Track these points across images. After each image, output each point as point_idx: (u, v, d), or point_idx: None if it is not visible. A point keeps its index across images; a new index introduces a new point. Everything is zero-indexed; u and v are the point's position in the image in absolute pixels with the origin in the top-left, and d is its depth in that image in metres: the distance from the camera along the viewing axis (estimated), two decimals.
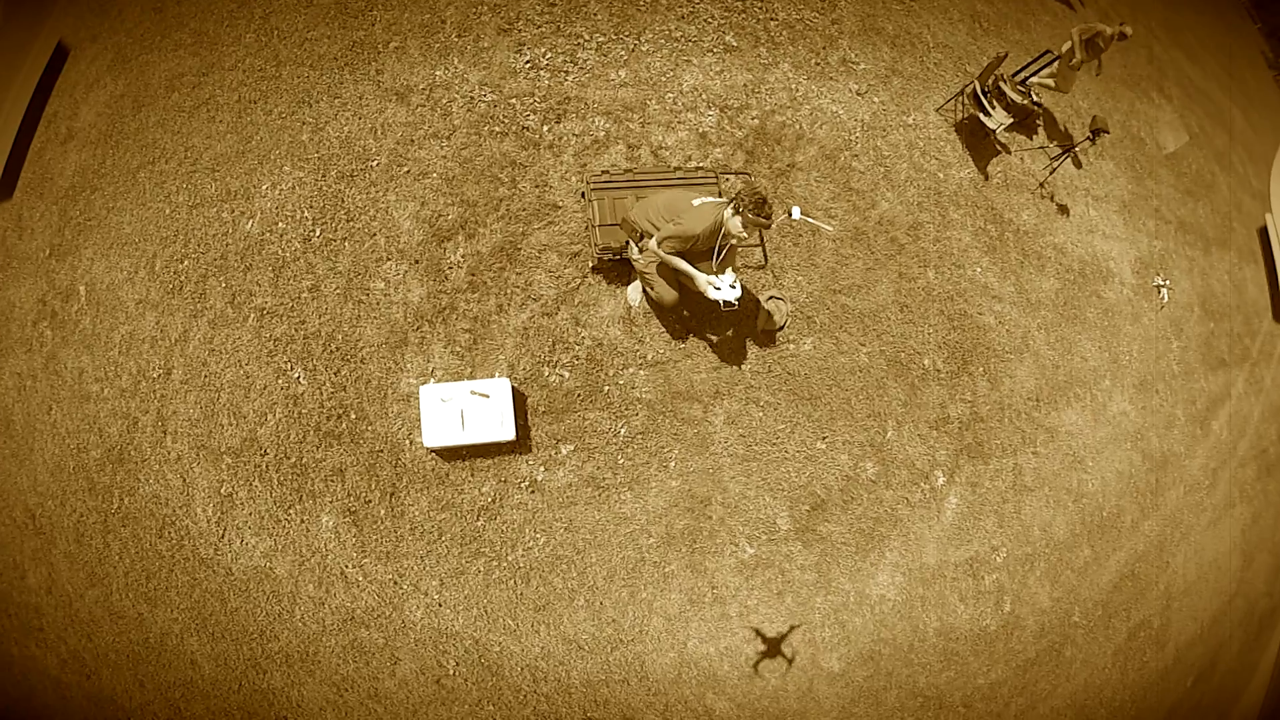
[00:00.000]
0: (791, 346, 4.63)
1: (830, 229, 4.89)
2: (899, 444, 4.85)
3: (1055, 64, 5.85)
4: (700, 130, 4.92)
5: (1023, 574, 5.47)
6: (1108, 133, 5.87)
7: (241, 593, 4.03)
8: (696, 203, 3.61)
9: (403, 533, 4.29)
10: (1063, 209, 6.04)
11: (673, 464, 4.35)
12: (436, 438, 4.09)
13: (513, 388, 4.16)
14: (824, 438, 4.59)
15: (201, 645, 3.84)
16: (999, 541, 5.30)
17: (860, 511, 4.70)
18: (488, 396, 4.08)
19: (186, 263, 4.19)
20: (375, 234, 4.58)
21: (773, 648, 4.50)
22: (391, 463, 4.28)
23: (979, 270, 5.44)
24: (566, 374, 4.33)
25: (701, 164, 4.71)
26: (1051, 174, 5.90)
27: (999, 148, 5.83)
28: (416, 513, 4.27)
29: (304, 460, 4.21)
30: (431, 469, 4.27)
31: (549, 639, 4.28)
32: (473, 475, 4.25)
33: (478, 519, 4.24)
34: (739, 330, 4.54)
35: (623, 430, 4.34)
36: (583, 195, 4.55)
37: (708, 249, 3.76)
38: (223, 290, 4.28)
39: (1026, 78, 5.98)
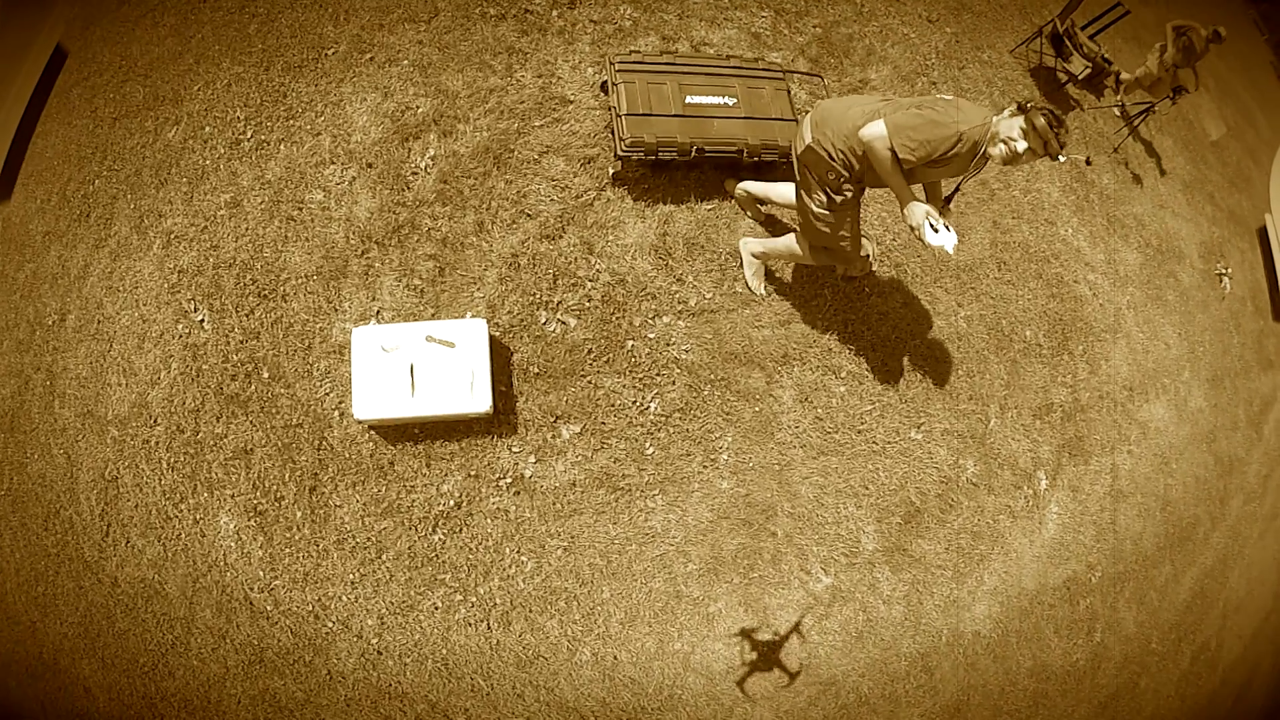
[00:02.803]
0: (879, 301, 2.71)
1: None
2: (1002, 436, 2.93)
3: (1145, 64, 4.14)
4: (753, 30, 3.02)
5: (1114, 596, 3.59)
6: (1189, 91, 4.05)
7: (129, 612, 2.27)
8: (951, 100, 1.82)
9: (327, 546, 2.30)
10: (1137, 178, 4.25)
11: (724, 456, 2.37)
12: (372, 406, 2.08)
13: (491, 337, 2.16)
14: (919, 425, 2.66)
15: (93, 672, 2.28)
16: (1095, 559, 3.43)
17: (959, 524, 2.76)
18: (453, 345, 2.08)
19: (98, 183, 2.54)
20: (319, 133, 2.60)
21: (846, 709, 2.48)
22: (313, 443, 2.28)
23: (1070, 231, 3.60)
24: (572, 321, 2.35)
25: (761, 57, 2.77)
26: (1130, 135, 4.07)
27: (1072, 102, 4.00)
28: (346, 518, 2.26)
29: (200, 435, 2.33)
30: (369, 455, 2.27)
31: (538, 707, 2.27)
32: (428, 466, 2.25)
33: (434, 531, 2.24)
34: (813, 275, 2.58)
35: (653, 405, 2.36)
36: (604, 88, 2.58)
37: (931, 174, 1.86)
38: (130, 212, 2.49)
39: (1096, 33, 4.17)
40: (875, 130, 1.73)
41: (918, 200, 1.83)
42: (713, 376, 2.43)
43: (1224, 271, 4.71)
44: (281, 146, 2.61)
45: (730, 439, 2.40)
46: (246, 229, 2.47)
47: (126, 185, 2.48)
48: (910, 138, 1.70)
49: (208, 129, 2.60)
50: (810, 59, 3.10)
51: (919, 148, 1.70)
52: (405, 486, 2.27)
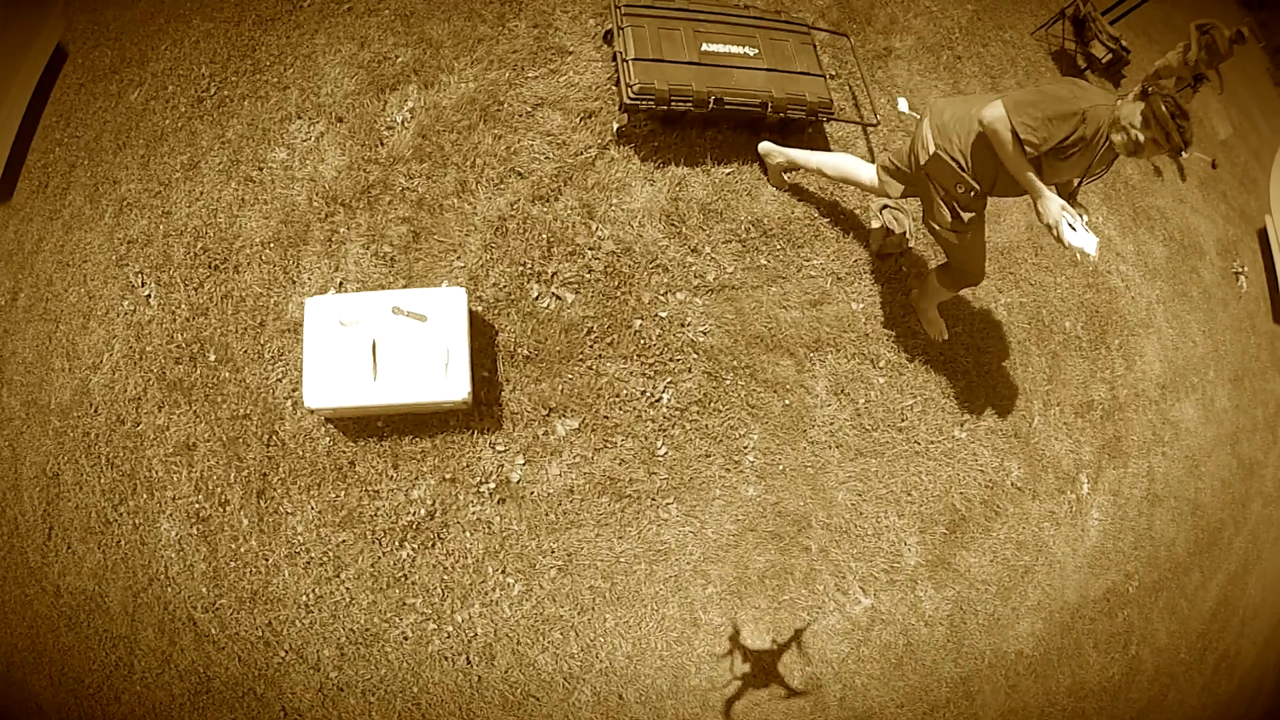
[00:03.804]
0: (917, 283, 2.21)
1: None
2: (1045, 435, 2.49)
3: (1165, 57, 3.74)
4: None
5: (1149, 607, 3.18)
6: (1208, 80, 3.63)
7: (73, 626, 1.86)
8: (1073, 80, 1.63)
9: (277, 560, 1.84)
10: (1156, 170, 3.83)
11: (749, 458, 1.89)
12: (326, 393, 1.58)
13: (472, 312, 1.66)
14: (962, 422, 2.21)
15: (44, 689, 1.86)
16: (1133, 567, 3.01)
17: (1004, 534, 2.30)
18: (424, 319, 1.57)
19: (58, 152, 2.15)
20: (287, 87, 2.15)
21: None
22: (262, 438, 1.79)
23: (1100, 218, 3.20)
24: (569, 296, 1.87)
25: (783, 10, 2.30)
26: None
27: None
28: (299, 528, 1.77)
29: (141, 427, 1.90)
30: (326, 453, 1.77)
31: None
32: (395, 467, 1.75)
33: (402, 546, 1.74)
34: (845, 251, 2.12)
35: (666, 396, 1.87)
36: (607, 37, 2.11)
37: (1060, 170, 1.59)
38: (86, 181, 2.10)
39: (1114, 20, 3.75)
40: (995, 111, 1.48)
41: (1052, 195, 1.53)
42: (735, 363, 1.94)
43: (1240, 270, 4.30)
44: (245, 103, 2.15)
45: (756, 437, 1.91)
46: (201, 192, 2.01)
47: (85, 152, 2.08)
48: (1031, 115, 1.45)
49: (170, 88, 2.18)
50: (831, 23, 2.65)
51: (1040, 126, 1.44)
52: (368, 491, 1.76)
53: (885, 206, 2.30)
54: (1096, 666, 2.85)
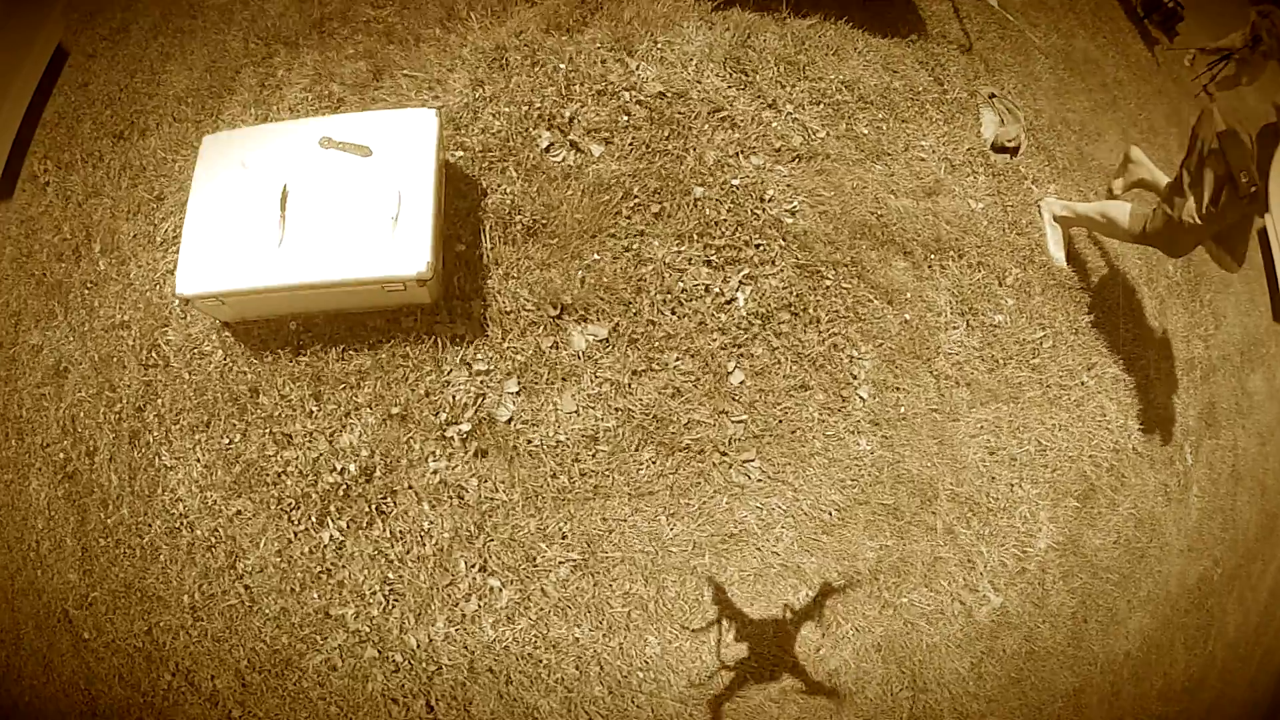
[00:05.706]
0: (1033, 188, 1.55)
1: (1037, 41, 1.94)
2: (1161, 392, 1.84)
3: (1229, 36, 3.25)
4: None
5: (1225, 597, 2.72)
6: (1263, 40, 3.10)
7: None
8: None
9: (154, 539, 1.12)
10: None
11: (860, 393, 1.19)
12: (206, 273, 0.79)
13: (448, 165, 0.91)
14: (1091, 366, 1.56)
15: None
16: (1220, 553, 2.55)
17: (1127, 509, 1.70)
18: (368, 154, 0.80)
19: None
20: None
21: None
22: (140, 354, 1.10)
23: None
24: (597, 148, 1.13)
25: None
26: (1213, 80, 3.12)
27: (1154, 36, 3.07)
28: (180, 489, 1.07)
29: (16, 349, 1.22)
30: (219, 374, 1.01)
31: None
32: (317, 397, 0.99)
33: (324, 523, 0.99)
34: (956, 136, 1.47)
35: (741, 297, 1.17)
36: None
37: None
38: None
39: None
40: None
41: None
42: (838, 256, 1.24)
43: None
44: None
45: (869, 364, 1.20)
46: (124, 55, 1.48)
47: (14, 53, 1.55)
48: None
49: None
50: None
51: None
52: (275, 435, 1.05)
53: (993, 95, 1.67)
54: (1182, 664, 2.28)
